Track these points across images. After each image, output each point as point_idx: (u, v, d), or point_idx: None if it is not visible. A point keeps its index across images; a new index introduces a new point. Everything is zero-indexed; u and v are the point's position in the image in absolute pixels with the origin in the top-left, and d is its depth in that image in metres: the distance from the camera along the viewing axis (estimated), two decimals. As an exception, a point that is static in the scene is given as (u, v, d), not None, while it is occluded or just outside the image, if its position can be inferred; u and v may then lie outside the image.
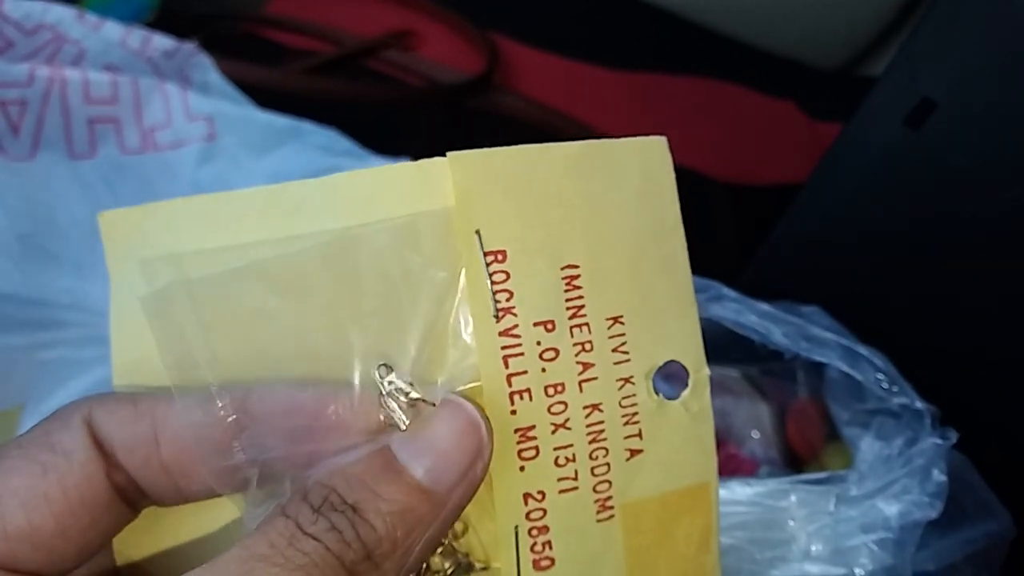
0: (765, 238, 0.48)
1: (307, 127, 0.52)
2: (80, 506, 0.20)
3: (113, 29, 0.50)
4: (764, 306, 0.37)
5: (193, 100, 0.49)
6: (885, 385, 0.35)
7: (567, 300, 0.22)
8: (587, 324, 0.22)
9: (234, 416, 0.21)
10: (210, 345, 0.22)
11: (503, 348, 0.22)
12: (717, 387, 0.45)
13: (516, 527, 0.22)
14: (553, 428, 0.22)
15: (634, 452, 0.22)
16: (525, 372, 0.22)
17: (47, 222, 0.45)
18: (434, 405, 0.21)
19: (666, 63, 0.73)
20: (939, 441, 0.32)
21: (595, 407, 0.22)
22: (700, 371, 0.23)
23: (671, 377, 0.23)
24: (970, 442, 0.35)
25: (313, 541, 0.18)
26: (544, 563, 0.22)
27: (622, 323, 0.22)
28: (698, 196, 0.64)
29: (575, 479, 0.22)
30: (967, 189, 0.38)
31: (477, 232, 0.22)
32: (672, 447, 0.23)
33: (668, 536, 0.23)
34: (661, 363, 0.23)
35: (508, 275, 0.22)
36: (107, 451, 0.21)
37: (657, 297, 0.23)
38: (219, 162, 0.49)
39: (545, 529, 0.22)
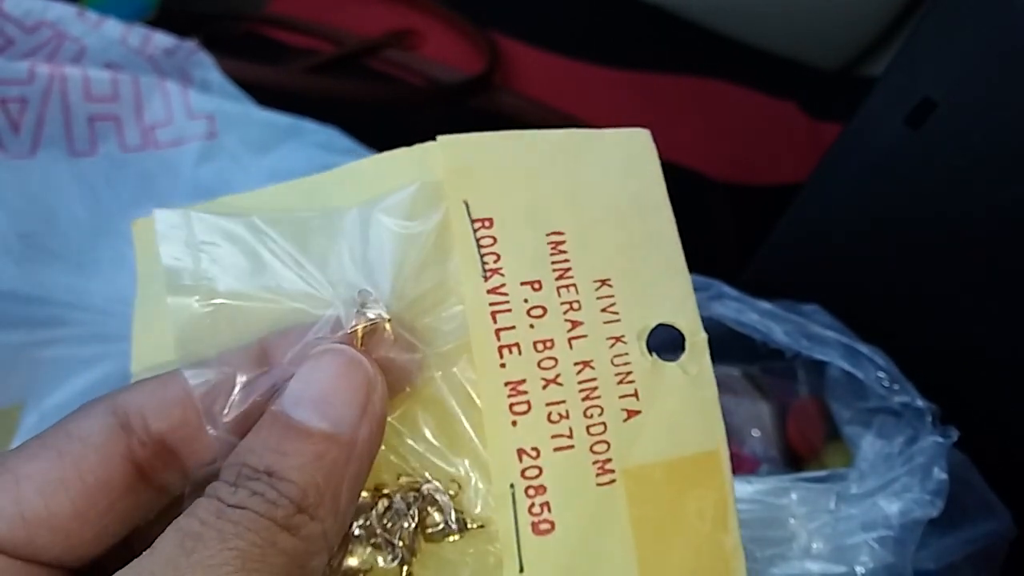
0: (765, 238, 0.48)
1: (308, 125, 0.52)
2: (97, 490, 0.21)
3: (114, 27, 0.50)
4: (765, 304, 0.37)
5: (194, 98, 0.49)
6: (886, 383, 0.35)
7: (553, 263, 0.23)
8: (574, 285, 0.23)
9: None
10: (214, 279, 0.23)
11: (491, 304, 0.22)
12: (718, 385, 0.46)
13: (512, 485, 0.22)
14: (544, 383, 0.22)
15: (631, 413, 0.22)
16: (513, 327, 0.22)
17: (47, 220, 0.45)
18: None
19: (667, 63, 0.73)
20: (940, 439, 0.32)
21: (586, 364, 0.22)
22: (697, 335, 0.23)
23: (667, 346, 0.23)
24: (970, 441, 0.35)
25: (239, 510, 0.19)
26: (543, 526, 0.22)
27: (610, 286, 0.23)
28: (698, 196, 0.64)
29: (570, 436, 0.22)
30: (968, 188, 0.38)
31: (465, 202, 0.23)
32: (673, 411, 0.22)
33: (678, 509, 0.22)
34: (653, 325, 0.23)
35: (495, 240, 0.23)
36: (135, 426, 0.21)
37: (646, 265, 0.23)
38: (220, 160, 0.49)
39: (542, 489, 0.22)
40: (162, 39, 0.51)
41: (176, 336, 0.22)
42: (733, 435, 0.44)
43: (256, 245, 0.23)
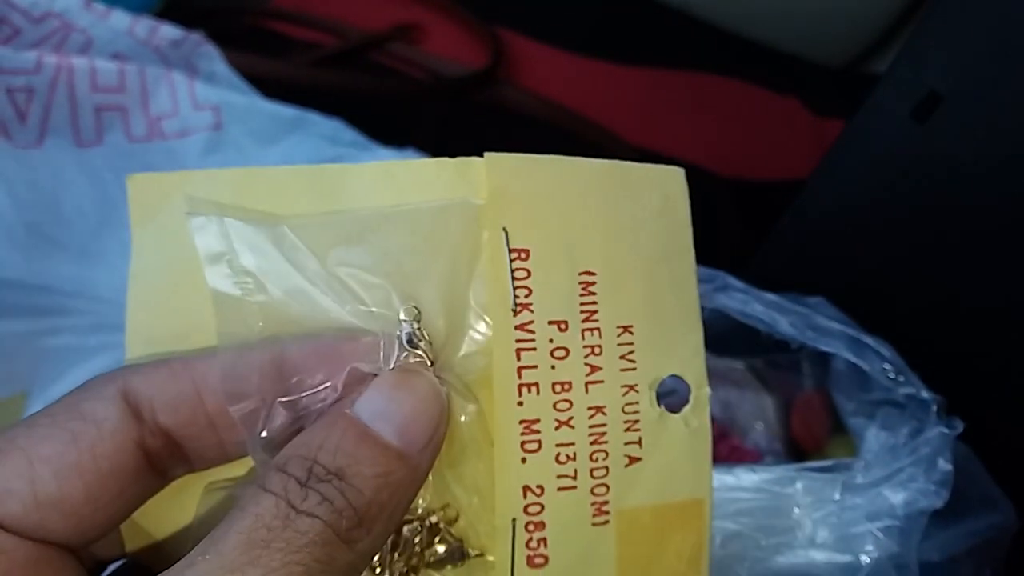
0: (770, 233, 0.48)
1: (313, 117, 0.52)
2: (110, 475, 0.21)
3: (120, 18, 0.50)
4: (770, 296, 0.37)
5: (200, 89, 0.49)
6: (891, 375, 0.35)
7: (581, 304, 0.23)
8: (598, 329, 0.23)
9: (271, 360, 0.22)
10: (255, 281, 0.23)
11: (517, 341, 0.22)
12: (722, 378, 0.46)
13: (514, 520, 0.22)
14: (557, 424, 0.22)
15: (633, 459, 0.23)
16: (535, 367, 0.22)
17: (53, 210, 0.45)
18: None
19: (671, 59, 0.73)
20: (945, 430, 0.32)
21: (599, 409, 0.23)
22: (701, 389, 0.24)
23: (672, 394, 0.24)
24: (974, 434, 0.35)
25: (309, 518, 0.19)
26: (538, 560, 0.22)
27: (631, 333, 0.23)
28: (703, 192, 0.64)
29: (574, 478, 0.23)
30: (973, 182, 0.38)
31: (504, 229, 0.23)
32: (670, 459, 0.23)
33: (660, 549, 0.23)
34: (665, 376, 0.23)
35: (529, 273, 0.23)
36: (145, 416, 0.21)
37: (666, 313, 0.24)
38: (225, 151, 0.49)
39: (542, 525, 0.22)
40: (169, 31, 0.51)
41: (218, 321, 0.22)
42: (737, 428, 0.44)
43: (287, 259, 0.23)
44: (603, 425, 0.23)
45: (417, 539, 0.23)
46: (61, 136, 0.46)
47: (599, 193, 0.24)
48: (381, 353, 0.22)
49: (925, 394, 0.34)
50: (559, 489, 0.22)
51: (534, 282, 0.23)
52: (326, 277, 0.23)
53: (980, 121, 0.36)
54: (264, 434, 0.22)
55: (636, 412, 0.23)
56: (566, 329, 0.23)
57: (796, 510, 0.30)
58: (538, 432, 0.22)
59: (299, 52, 0.67)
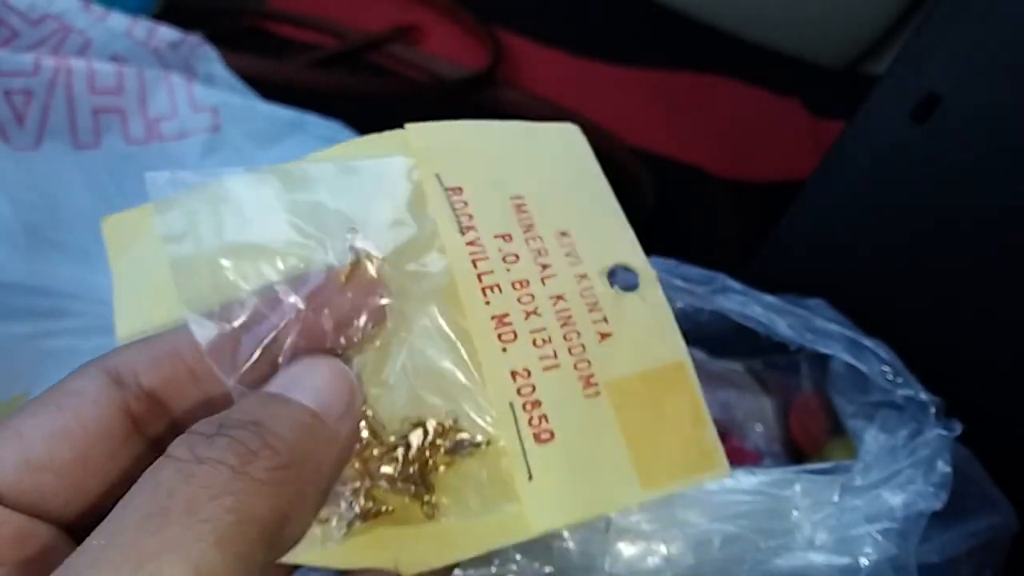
0: (768, 234, 0.48)
1: (311, 119, 0.52)
2: (97, 438, 0.21)
3: (119, 20, 0.50)
4: (769, 298, 0.37)
5: (198, 91, 0.49)
6: (890, 377, 0.35)
7: (519, 219, 0.27)
8: (540, 237, 0.26)
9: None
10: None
11: (470, 254, 0.25)
12: (721, 380, 0.46)
13: (511, 403, 0.24)
14: (525, 314, 0.25)
15: (604, 335, 0.25)
16: (492, 272, 0.25)
17: (52, 211, 0.45)
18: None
19: (670, 60, 0.73)
20: (944, 432, 0.32)
21: (559, 297, 0.25)
22: (647, 271, 0.26)
23: (623, 282, 0.26)
24: (973, 435, 0.35)
25: (212, 467, 0.17)
26: (544, 436, 0.24)
27: (570, 236, 0.27)
28: (702, 193, 0.64)
29: (555, 358, 0.25)
30: (972, 183, 0.38)
31: (436, 175, 0.26)
32: (638, 331, 0.25)
33: (658, 412, 0.25)
34: (611, 264, 0.26)
35: (466, 203, 0.26)
36: (127, 381, 0.22)
37: (596, 221, 0.27)
38: (223, 153, 0.49)
39: (538, 404, 0.24)
40: (167, 32, 0.51)
41: (179, 290, 0.23)
42: (736, 430, 0.44)
43: (245, 205, 0.25)
44: (567, 310, 0.25)
45: (425, 444, 0.24)
46: (59, 138, 0.46)
47: (511, 144, 0.28)
48: (335, 263, 0.24)
49: (924, 396, 0.34)
50: (544, 369, 0.24)
51: (473, 209, 0.26)
52: (275, 225, 0.24)
53: (979, 122, 0.36)
54: (240, 367, 0.23)
55: (594, 295, 0.26)
56: (511, 240, 0.26)
57: (795, 512, 0.30)
58: (510, 324, 0.25)
59: (298, 53, 0.67)
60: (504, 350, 0.25)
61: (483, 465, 0.24)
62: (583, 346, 0.25)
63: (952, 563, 0.34)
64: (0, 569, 0.19)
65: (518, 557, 0.30)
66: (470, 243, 0.26)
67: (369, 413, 0.24)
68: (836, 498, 0.31)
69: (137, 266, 0.26)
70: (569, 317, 0.25)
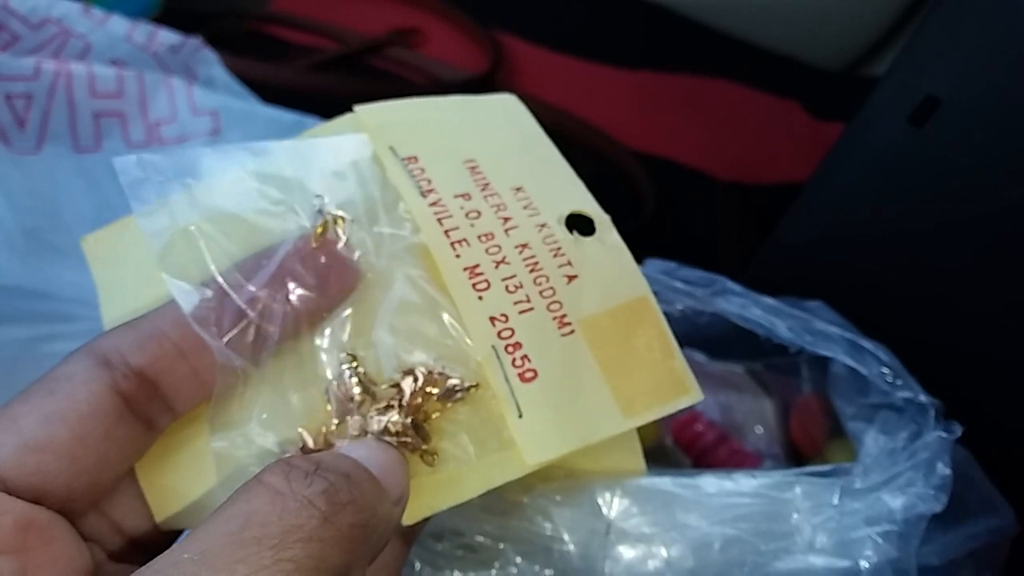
0: (768, 237, 0.48)
1: (312, 122, 0.52)
2: (91, 417, 0.22)
3: (119, 24, 0.50)
4: (769, 300, 0.37)
5: (198, 95, 0.49)
6: (889, 379, 0.35)
7: (475, 180, 0.28)
8: (497, 194, 0.28)
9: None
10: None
11: (435, 213, 0.27)
12: (721, 382, 0.46)
13: (493, 346, 0.25)
14: (495, 264, 0.27)
15: (571, 277, 0.27)
16: (457, 228, 0.27)
17: (52, 215, 0.45)
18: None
19: (670, 62, 0.73)
20: (943, 435, 0.32)
21: (524, 246, 0.27)
22: (600, 216, 0.28)
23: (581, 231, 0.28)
24: (973, 438, 0.35)
25: (307, 509, 0.19)
26: (528, 375, 0.25)
27: (524, 191, 0.28)
28: (702, 195, 0.64)
29: (528, 301, 0.26)
30: (971, 186, 0.38)
31: (391, 147, 0.28)
32: (601, 272, 0.27)
33: (629, 346, 0.26)
34: (566, 213, 0.28)
35: (424, 170, 0.28)
36: (115, 362, 0.22)
37: (546, 177, 0.29)
38: (224, 156, 0.49)
39: (519, 345, 0.26)
40: (167, 36, 0.51)
41: (161, 264, 0.24)
42: (736, 431, 0.44)
43: (215, 179, 0.26)
44: (533, 256, 0.27)
45: (415, 387, 0.25)
46: (60, 142, 0.46)
47: (458, 116, 0.30)
48: (306, 226, 0.26)
49: (923, 398, 0.34)
50: (520, 312, 0.26)
51: (430, 174, 0.28)
52: (246, 196, 0.26)
53: (978, 125, 0.36)
54: (226, 332, 0.24)
55: (556, 241, 0.27)
56: (470, 198, 0.28)
57: (795, 515, 0.30)
58: (482, 274, 0.26)
59: (298, 57, 0.67)
60: (480, 298, 0.26)
61: (475, 410, 0.25)
62: (553, 289, 0.26)
63: (952, 565, 0.34)
64: (4, 558, 0.20)
65: (518, 560, 0.30)
66: (432, 204, 0.27)
67: (361, 370, 0.25)
68: (836, 501, 0.31)
69: (120, 276, 0.28)
70: (536, 263, 0.27)
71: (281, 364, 0.25)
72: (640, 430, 0.29)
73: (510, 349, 0.25)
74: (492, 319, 0.26)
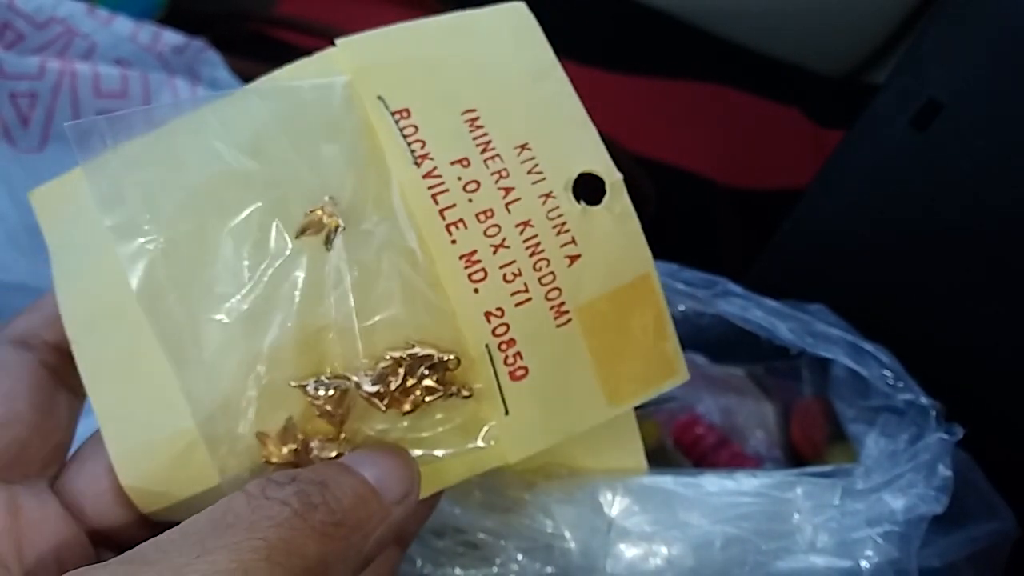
0: (770, 241, 0.48)
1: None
2: (35, 387, 0.24)
3: (124, 24, 0.50)
4: (770, 302, 0.38)
5: (202, 95, 0.49)
6: (891, 381, 0.35)
7: (474, 138, 0.25)
8: (499, 155, 0.25)
9: None
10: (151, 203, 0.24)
11: (429, 188, 0.24)
12: (722, 385, 0.46)
13: (487, 345, 0.24)
14: (493, 249, 0.24)
15: (573, 258, 0.25)
16: (454, 205, 0.24)
17: (56, 214, 0.45)
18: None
19: (672, 68, 0.73)
20: (945, 436, 0.32)
21: (526, 224, 0.25)
22: (613, 176, 0.25)
23: (589, 192, 0.26)
24: (974, 442, 0.35)
25: (279, 505, 0.20)
26: (519, 373, 0.24)
27: (529, 149, 0.25)
28: (703, 201, 0.64)
29: (526, 291, 0.24)
30: (974, 191, 0.38)
31: (379, 97, 0.25)
32: (606, 247, 0.25)
33: (624, 330, 0.25)
34: (575, 174, 0.25)
35: (416, 128, 0.25)
36: (32, 342, 0.25)
37: (555, 123, 0.26)
38: (227, 156, 0.49)
39: (512, 342, 0.24)
40: (172, 37, 0.51)
41: (137, 288, 0.24)
42: (736, 435, 0.44)
43: (179, 148, 0.25)
44: (535, 236, 0.25)
45: (404, 377, 0.24)
46: (64, 141, 0.46)
47: (454, 44, 0.26)
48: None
49: (924, 400, 0.34)
50: (516, 305, 0.24)
51: (424, 134, 0.25)
52: (210, 164, 0.24)
53: (980, 129, 0.36)
54: None
55: (560, 215, 0.25)
56: (469, 164, 0.25)
57: (796, 515, 0.30)
58: (479, 262, 0.24)
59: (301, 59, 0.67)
60: (476, 291, 0.24)
61: (461, 402, 0.25)
62: (553, 274, 0.25)
63: (953, 568, 0.34)
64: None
65: (519, 557, 0.30)
66: (427, 175, 0.24)
67: (337, 384, 0.24)
68: (837, 501, 0.31)
69: (74, 233, 0.26)
70: (537, 244, 0.25)
71: None
72: (641, 431, 0.29)
73: (503, 347, 0.24)
74: (488, 314, 0.24)
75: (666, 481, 0.31)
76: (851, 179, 0.42)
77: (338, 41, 0.26)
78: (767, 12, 0.72)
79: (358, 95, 0.25)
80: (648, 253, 0.26)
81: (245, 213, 0.24)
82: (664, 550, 0.30)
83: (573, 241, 0.25)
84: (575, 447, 0.30)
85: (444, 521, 0.31)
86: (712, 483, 0.31)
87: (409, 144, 0.25)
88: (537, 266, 0.24)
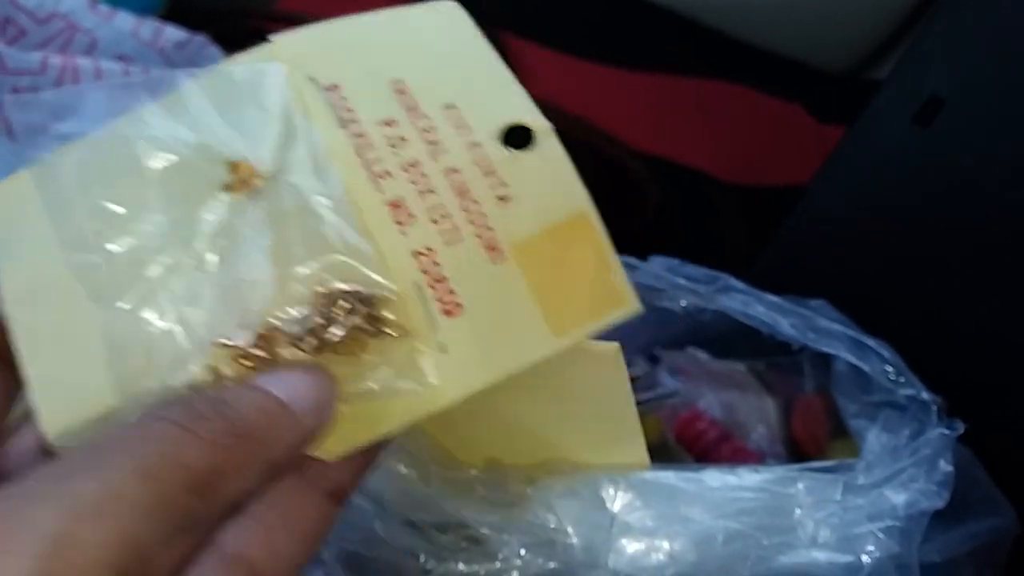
0: (773, 237, 0.48)
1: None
2: None
3: (125, 20, 0.50)
4: (772, 298, 0.38)
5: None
6: (892, 376, 0.35)
7: (401, 102, 0.26)
8: (426, 116, 0.26)
9: None
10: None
11: (354, 145, 0.25)
12: (723, 381, 0.46)
13: (415, 281, 0.25)
14: (420, 194, 0.25)
15: (504, 198, 0.25)
16: (380, 159, 0.25)
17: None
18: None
19: (675, 65, 0.73)
20: (946, 432, 0.32)
21: (453, 171, 0.25)
22: (542, 125, 0.26)
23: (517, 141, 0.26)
24: (975, 437, 0.35)
25: (159, 422, 0.19)
26: (453, 309, 0.25)
27: (457, 108, 0.26)
28: (706, 197, 0.64)
29: (456, 231, 0.25)
30: (975, 186, 0.38)
31: (312, 79, 0.26)
32: (539, 187, 0.25)
33: (566, 265, 0.25)
34: (503, 125, 0.26)
35: (345, 98, 0.26)
36: None
37: (482, 85, 0.27)
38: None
39: (443, 279, 0.25)
40: (173, 33, 0.51)
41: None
42: (738, 430, 0.44)
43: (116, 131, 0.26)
44: (463, 182, 0.25)
45: (331, 314, 0.24)
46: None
47: (384, 33, 0.28)
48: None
49: (926, 395, 0.34)
50: (446, 244, 0.25)
51: (353, 103, 0.26)
52: (143, 127, 0.26)
53: (982, 125, 0.37)
54: None
55: (489, 161, 0.25)
56: (395, 124, 0.26)
57: (798, 510, 0.30)
58: (406, 207, 0.25)
59: (303, 55, 0.67)
60: (403, 233, 0.25)
61: (397, 343, 0.25)
62: (484, 214, 0.25)
63: (953, 563, 0.34)
64: None
65: (522, 552, 0.30)
66: (354, 135, 0.26)
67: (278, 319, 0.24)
68: (839, 496, 0.31)
69: (21, 233, 0.27)
70: (466, 189, 0.25)
71: None
72: (643, 427, 0.29)
73: (433, 284, 0.25)
74: (416, 253, 0.25)
75: (668, 476, 0.31)
76: (853, 175, 0.42)
77: (273, 36, 0.27)
78: (770, 9, 0.72)
79: (290, 77, 0.26)
80: (583, 191, 0.26)
81: (169, 166, 0.25)
82: (666, 545, 0.30)
83: (503, 183, 0.25)
84: (577, 442, 0.30)
85: (447, 516, 0.31)
86: (714, 478, 0.31)
87: (336, 110, 0.26)
88: (465, 207, 0.25)
